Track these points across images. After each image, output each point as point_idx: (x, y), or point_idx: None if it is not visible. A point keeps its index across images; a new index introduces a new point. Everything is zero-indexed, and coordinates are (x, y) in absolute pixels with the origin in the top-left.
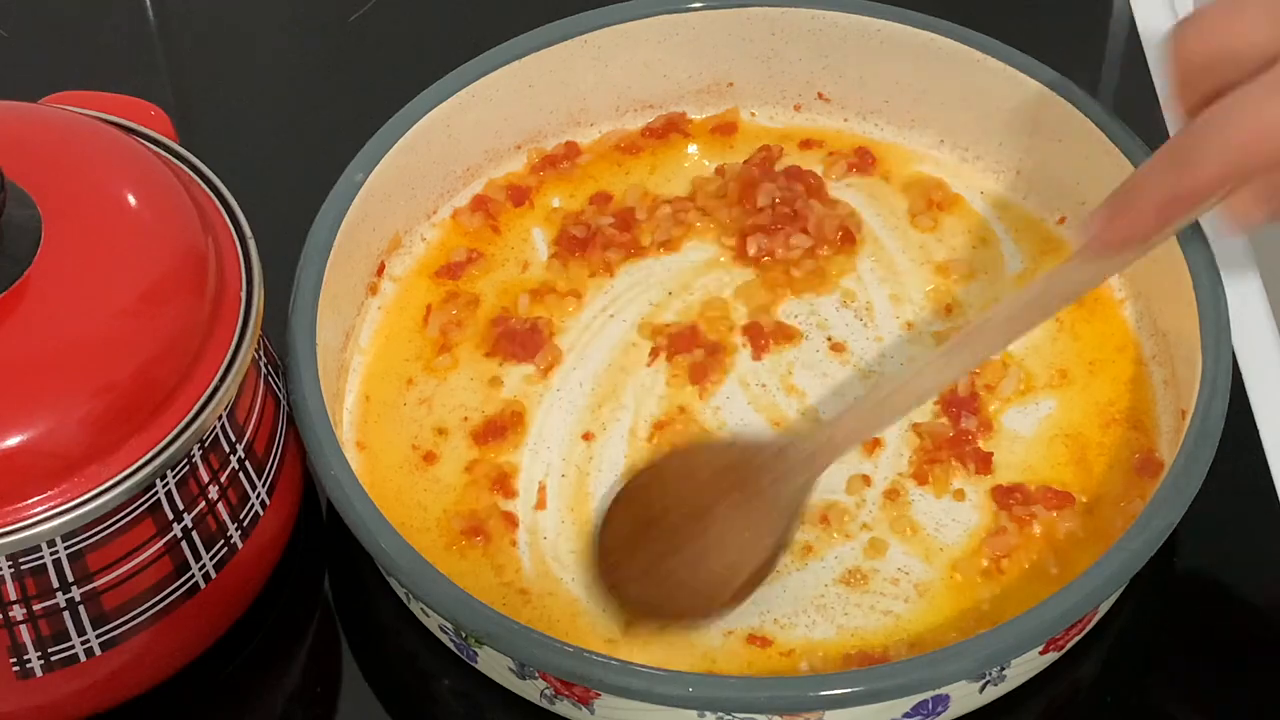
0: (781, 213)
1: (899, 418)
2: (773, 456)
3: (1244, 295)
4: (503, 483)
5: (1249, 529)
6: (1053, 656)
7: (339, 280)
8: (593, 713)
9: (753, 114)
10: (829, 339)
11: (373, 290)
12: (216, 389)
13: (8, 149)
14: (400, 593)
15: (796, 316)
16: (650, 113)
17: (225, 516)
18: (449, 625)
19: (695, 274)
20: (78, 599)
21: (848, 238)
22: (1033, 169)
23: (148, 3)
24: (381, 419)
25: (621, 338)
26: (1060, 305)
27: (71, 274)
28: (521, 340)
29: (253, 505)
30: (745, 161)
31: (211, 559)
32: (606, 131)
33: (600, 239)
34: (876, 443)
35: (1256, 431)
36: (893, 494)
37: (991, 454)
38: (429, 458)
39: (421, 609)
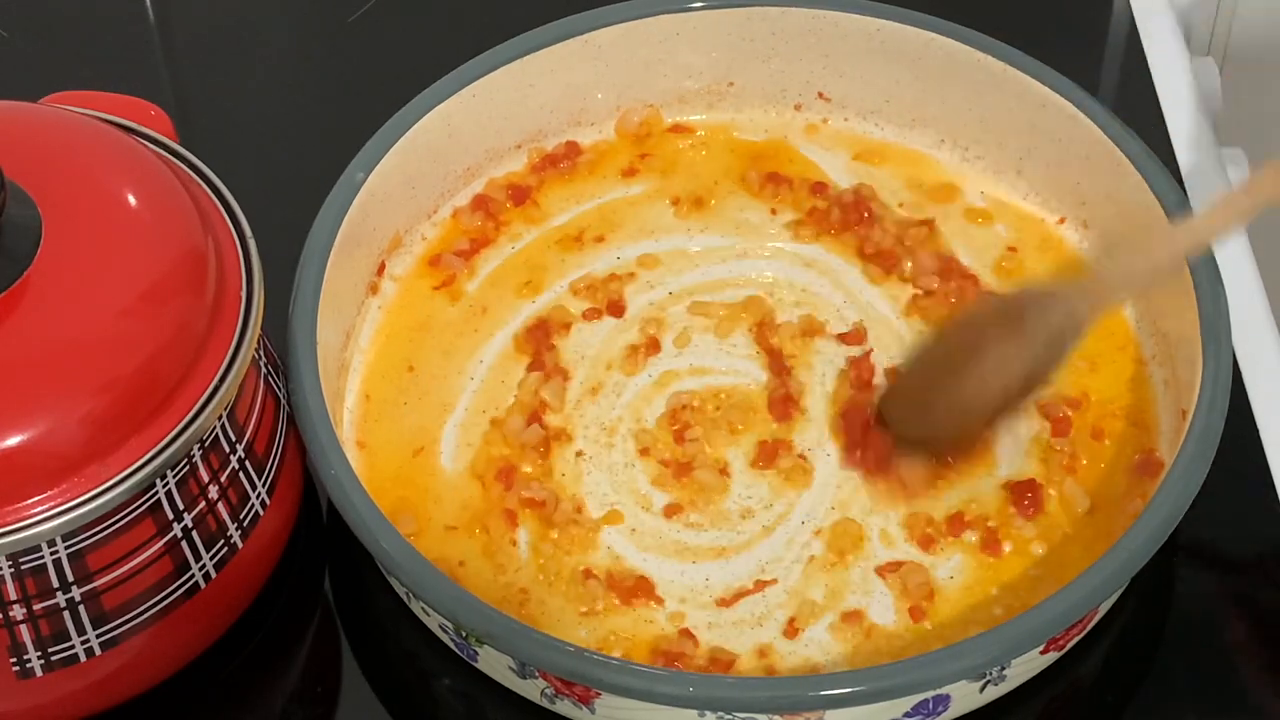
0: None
1: (1173, 265)
2: (1042, 294)
3: (1244, 295)
4: (504, 480)
5: (1249, 529)
6: (1053, 656)
7: (339, 280)
8: (593, 712)
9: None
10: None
11: (373, 290)
12: (216, 389)
13: (8, 149)
14: (400, 592)
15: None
16: (649, 112)
17: (225, 516)
18: (449, 624)
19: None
20: (78, 599)
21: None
22: (1033, 169)
23: (148, 3)
24: (382, 418)
25: (624, 339)
26: None
27: (71, 274)
28: (539, 346)
29: (253, 505)
30: None
31: (211, 559)
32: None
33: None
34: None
35: (1256, 431)
36: None
37: None
38: (429, 457)
39: (422, 608)
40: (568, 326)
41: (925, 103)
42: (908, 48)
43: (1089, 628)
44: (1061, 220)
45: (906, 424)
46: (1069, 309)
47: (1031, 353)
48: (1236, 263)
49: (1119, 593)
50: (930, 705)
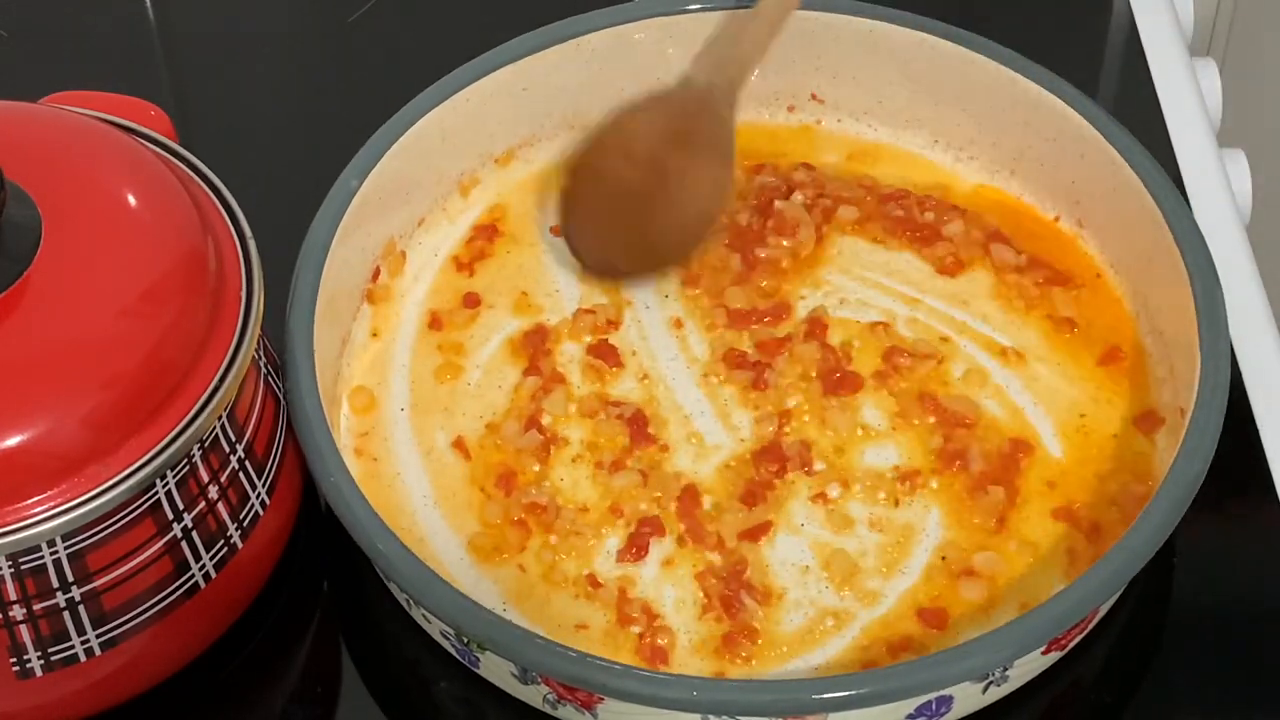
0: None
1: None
2: (701, 98)
3: (1244, 295)
4: (503, 485)
5: (1249, 529)
6: (1055, 656)
7: (335, 287)
8: (595, 717)
9: None
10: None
11: (368, 296)
12: (216, 389)
13: (8, 149)
14: (401, 599)
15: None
16: None
17: (225, 516)
18: (450, 631)
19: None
20: (78, 599)
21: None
22: (1027, 169)
23: (148, 3)
24: (380, 424)
25: (623, 341)
26: None
27: (71, 274)
28: (535, 351)
29: (253, 505)
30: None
31: (211, 559)
32: None
33: None
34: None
35: (1256, 431)
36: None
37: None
38: (429, 460)
39: (423, 614)
40: (563, 331)
41: (918, 103)
42: (901, 48)
43: (1090, 628)
44: (1056, 219)
45: (599, 252)
46: (720, 111)
47: (729, 171)
48: (1236, 263)
49: (1119, 593)
50: (933, 706)
